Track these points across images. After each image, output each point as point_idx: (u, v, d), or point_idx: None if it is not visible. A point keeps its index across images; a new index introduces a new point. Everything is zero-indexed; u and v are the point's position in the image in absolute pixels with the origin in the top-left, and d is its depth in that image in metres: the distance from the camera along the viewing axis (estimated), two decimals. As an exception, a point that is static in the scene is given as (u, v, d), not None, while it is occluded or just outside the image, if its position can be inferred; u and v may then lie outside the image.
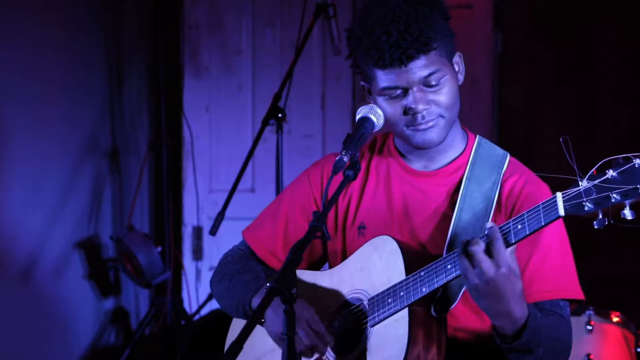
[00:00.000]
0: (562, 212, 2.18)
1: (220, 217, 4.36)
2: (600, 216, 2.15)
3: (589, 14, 5.43)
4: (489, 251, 2.24)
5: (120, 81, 5.45)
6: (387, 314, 2.42)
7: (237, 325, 2.74)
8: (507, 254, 2.24)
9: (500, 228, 2.27)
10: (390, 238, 2.47)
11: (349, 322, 2.52)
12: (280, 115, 4.42)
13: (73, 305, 5.13)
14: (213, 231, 4.36)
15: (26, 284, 4.81)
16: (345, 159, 2.34)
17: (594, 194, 2.14)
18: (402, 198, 2.57)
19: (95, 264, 5.25)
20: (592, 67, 5.48)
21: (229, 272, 2.68)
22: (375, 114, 2.44)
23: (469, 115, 5.31)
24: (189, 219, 5.60)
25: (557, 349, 2.40)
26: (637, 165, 2.10)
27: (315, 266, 2.73)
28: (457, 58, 2.54)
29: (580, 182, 2.16)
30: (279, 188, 4.42)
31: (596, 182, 2.14)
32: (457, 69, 2.54)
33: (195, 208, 5.57)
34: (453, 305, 2.41)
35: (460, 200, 2.49)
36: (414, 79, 2.42)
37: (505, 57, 5.53)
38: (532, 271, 2.44)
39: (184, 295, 5.45)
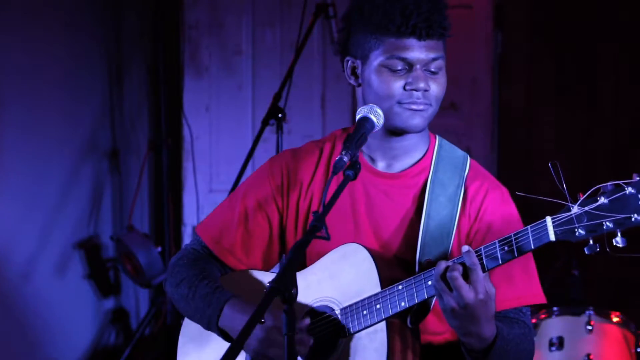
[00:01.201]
0: (552, 237, 2.19)
1: (220, 217, 4.35)
2: (591, 242, 2.15)
3: (589, 14, 5.43)
4: (466, 276, 2.26)
5: (120, 81, 5.45)
6: (362, 325, 2.42)
7: (188, 326, 2.68)
8: (484, 280, 2.26)
9: (485, 248, 2.28)
10: (361, 247, 2.46)
11: (320, 330, 2.50)
12: (280, 115, 4.42)
13: (73, 305, 5.13)
14: (213, 231, 4.35)
15: (26, 284, 4.81)
16: (345, 159, 2.33)
17: (585, 220, 2.14)
18: (365, 200, 2.56)
19: (95, 264, 5.25)
20: (592, 67, 5.48)
21: (187, 277, 2.62)
22: (375, 114, 2.44)
23: (469, 115, 5.30)
24: (189, 219, 5.59)
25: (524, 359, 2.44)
26: (628, 194, 2.10)
27: (269, 264, 2.68)
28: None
29: (571, 208, 2.16)
30: (279, 188, 4.42)
31: (587, 208, 2.14)
32: None
33: (195, 208, 5.57)
34: (427, 316, 2.42)
35: (426, 206, 2.49)
36: (423, 57, 2.44)
37: (505, 57, 5.53)
38: (496, 281, 2.43)
39: (184, 295, 5.45)
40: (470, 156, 2.62)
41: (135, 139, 5.54)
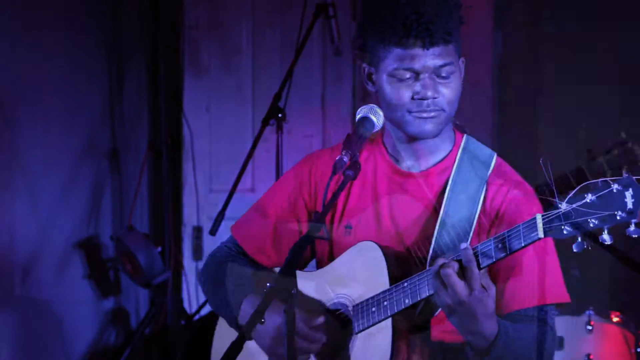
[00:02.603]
0: (541, 234, 2.19)
1: (220, 217, 4.36)
2: (579, 240, 2.15)
3: (589, 14, 5.43)
4: (461, 273, 2.26)
5: (120, 81, 5.45)
6: (370, 322, 2.43)
7: (222, 326, 2.73)
8: (479, 277, 2.25)
9: (481, 246, 2.28)
10: (375, 245, 2.47)
11: (333, 326, 2.52)
12: (280, 115, 4.42)
13: (73, 305, 5.12)
14: (213, 231, 4.36)
15: (26, 284, 4.81)
16: (345, 159, 2.34)
17: (573, 217, 2.14)
18: (388, 199, 2.57)
19: (95, 264, 5.25)
20: (592, 67, 5.48)
21: (215, 274, 2.70)
22: (376, 114, 2.45)
23: (469, 115, 5.30)
24: (189, 219, 5.60)
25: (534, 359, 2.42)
26: (615, 191, 2.09)
27: (302, 265, 2.71)
28: (461, 63, 2.55)
29: (559, 205, 2.16)
30: (279, 188, 4.42)
31: (574, 205, 2.13)
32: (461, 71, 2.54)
33: (195, 208, 5.57)
34: (435, 314, 2.41)
35: (445, 204, 2.49)
36: (430, 65, 2.44)
37: (505, 57, 5.53)
38: (515, 279, 2.45)
39: (184, 295, 5.45)
40: None
41: (135, 139, 5.54)
